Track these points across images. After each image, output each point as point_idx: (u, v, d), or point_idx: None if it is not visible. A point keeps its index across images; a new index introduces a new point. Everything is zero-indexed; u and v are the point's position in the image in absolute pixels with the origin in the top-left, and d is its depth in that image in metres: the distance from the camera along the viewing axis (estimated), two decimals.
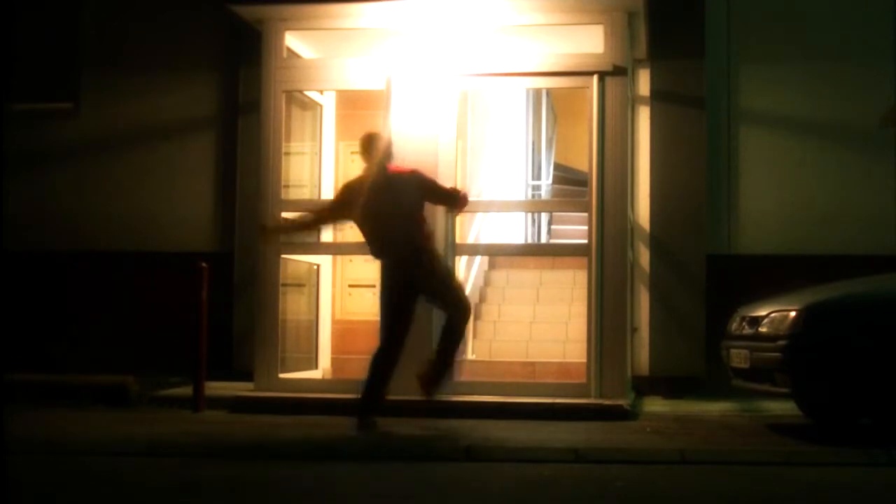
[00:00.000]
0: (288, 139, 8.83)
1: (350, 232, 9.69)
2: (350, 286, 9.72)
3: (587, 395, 8.00)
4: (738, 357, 7.26)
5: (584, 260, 8.31)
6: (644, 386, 9.19)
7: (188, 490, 5.32)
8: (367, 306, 9.40)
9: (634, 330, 9.16)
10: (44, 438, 6.38)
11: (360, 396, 7.20)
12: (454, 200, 7.57)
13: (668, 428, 7.25)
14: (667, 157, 9.41)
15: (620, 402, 7.85)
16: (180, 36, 10.17)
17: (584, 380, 8.14)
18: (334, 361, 9.41)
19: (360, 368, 8.65)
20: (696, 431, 7.10)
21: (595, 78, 8.21)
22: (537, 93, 13.09)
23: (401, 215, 7.24)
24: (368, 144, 7.40)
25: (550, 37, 8.66)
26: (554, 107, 14.43)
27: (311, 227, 8.19)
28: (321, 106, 9.53)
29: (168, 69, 10.11)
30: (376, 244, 7.37)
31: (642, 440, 6.73)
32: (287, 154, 8.79)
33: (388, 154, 7.42)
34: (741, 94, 9.73)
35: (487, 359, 9.67)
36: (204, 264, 8.01)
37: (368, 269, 9.11)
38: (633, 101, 9.20)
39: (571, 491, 5.31)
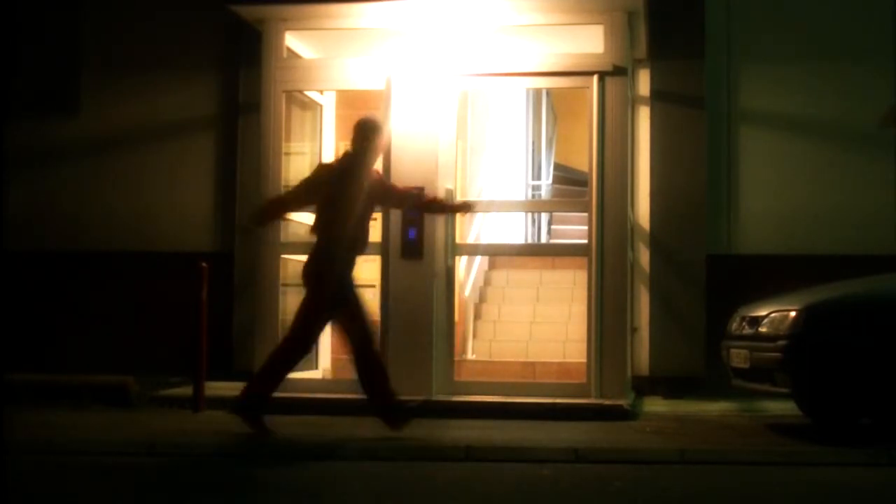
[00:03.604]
0: (288, 139, 8.83)
1: None
2: None
3: (587, 395, 8.00)
4: (738, 357, 7.26)
5: (584, 260, 8.31)
6: (644, 386, 9.18)
7: (188, 490, 5.32)
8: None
9: (634, 330, 9.16)
10: (44, 438, 6.38)
11: (246, 392, 6.87)
12: (411, 199, 7.44)
13: (668, 428, 7.25)
14: (667, 157, 9.41)
15: (620, 402, 7.85)
16: (180, 36, 10.15)
17: (584, 380, 8.14)
18: (334, 361, 9.41)
19: None
20: (696, 431, 7.11)
21: (595, 78, 8.22)
22: (537, 93, 13.09)
23: (360, 222, 6.90)
24: (366, 132, 6.95)
25: (550, 37, 8.66)
26: (554, 107, 14.43)
27: (288, 210, 7.68)
28: (321, 106, 9.53)
29: (168, 69, 10.10)
30: (333, 231, 6.86)
31: (642, 440, 6.74)
32: (287, 154, 8.79)
33: (377, 149, 7.07)
34: (741, 94, 9.73)
35: (487, 359, 9.67)
36: (204, 264, 8.00)
37: (368, 269, 9.10)
38: (633, 101, 9.20)
39: (571, 491, 5.31)
